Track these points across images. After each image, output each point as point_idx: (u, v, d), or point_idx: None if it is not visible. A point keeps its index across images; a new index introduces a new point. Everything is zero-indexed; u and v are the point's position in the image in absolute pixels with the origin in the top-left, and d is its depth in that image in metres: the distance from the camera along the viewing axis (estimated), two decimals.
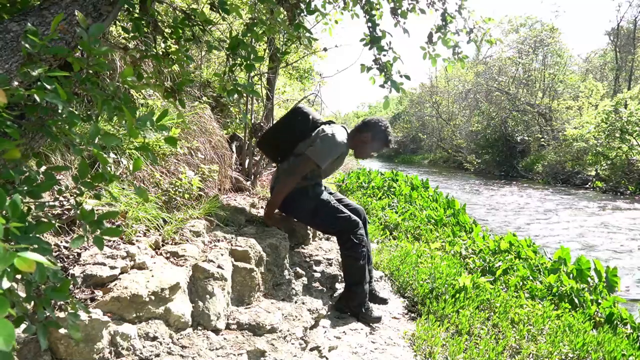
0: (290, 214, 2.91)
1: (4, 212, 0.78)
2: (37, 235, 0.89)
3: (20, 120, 1.13)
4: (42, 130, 1.10)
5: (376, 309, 2.75)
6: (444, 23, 2.86)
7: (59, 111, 1.05)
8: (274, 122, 3.05)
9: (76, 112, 1.09)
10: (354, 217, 2.75)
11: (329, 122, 2.95)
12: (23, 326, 1.04)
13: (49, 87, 1.00)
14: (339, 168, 3.10)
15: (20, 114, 1.12)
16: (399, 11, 2.73)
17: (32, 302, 1.03)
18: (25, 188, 0.99)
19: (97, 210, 1.88)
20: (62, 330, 1.36)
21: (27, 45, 1.04)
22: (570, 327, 2.76)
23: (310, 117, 2.92)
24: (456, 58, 2.97)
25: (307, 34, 2.31)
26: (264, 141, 3.06)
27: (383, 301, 2.92)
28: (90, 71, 1.17)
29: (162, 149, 2.72)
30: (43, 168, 1.18)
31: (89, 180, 1.14)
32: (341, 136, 2.79)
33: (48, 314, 1.06)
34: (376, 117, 2.96)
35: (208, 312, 1.89)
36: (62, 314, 1.37)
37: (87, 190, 1.17)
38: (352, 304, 2.69)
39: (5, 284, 0.70)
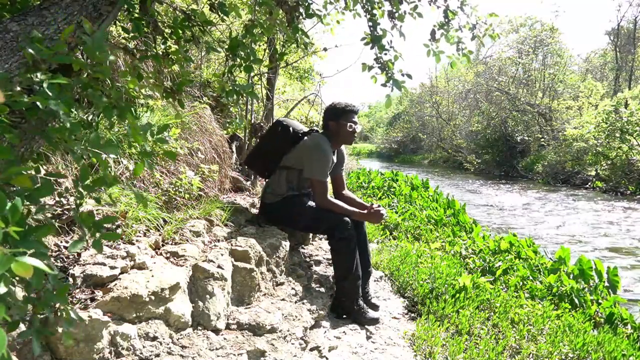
0: (279, 225, 2.93)
1: (4, 215, 0.78)
2: (36, 240, 0.89)
3: (20, 124, 1.13)
4: (41, 135, 1.10)
5: (372, 311, 2.70)
6: (446, 20, 2.85)
7: (60, 119, 1.05)
8: (259, 138, 3.12)
9: (77, 119, 1.09)
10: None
11: (310, 132, 3.00)
12: (20, 329, 1.04)
13: (50, 93, 1.00)
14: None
15: (20, 116, 1.12)
16: (396, 14, 2.72)
17: (31, 305, 1.03)
18: (24, 191, 0.98)
19: (96, 210, 1.89)
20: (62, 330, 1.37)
21: (32, 52, 1.04)
22: (570, 327, 2.76)
23: (291, 128, 2.99)
24: (460, 54, 2.95)
25: (304, 38, 2.31)
26: (250, 159, 3.16)
27: (373, 307, 2.79)
28: (93, 77, 1.17)
29: (162, 149, 2.72)
30: (43, 171, 1.19)
31: (89, 183, 1.14)
32: (325, 144, 2.82)
33: (46, 314, 1.06)
34: (328, 105, 3.01)
35: (208, 312, 1.89)
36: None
37: (87, 193, 1.17)
38: (343, 300, 2.65)
39: (2, 289, 0.70)
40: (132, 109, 1.18)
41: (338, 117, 2.87)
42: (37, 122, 1.11)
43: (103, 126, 2.08)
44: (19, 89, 1.10)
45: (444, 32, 2.86)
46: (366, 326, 2.61)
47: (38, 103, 1.01)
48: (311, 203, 2.86)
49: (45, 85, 1.01)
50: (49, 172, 1.22)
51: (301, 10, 2.44)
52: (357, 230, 2.82)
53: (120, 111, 1.14)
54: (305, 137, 2.92)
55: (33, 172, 1.16)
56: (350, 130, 2.87)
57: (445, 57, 2.90)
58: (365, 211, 2.83)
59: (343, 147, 3.10)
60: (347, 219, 2.69)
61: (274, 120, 3.19)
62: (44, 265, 0.69)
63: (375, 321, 2.64)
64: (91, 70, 1.14)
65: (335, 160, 3.01)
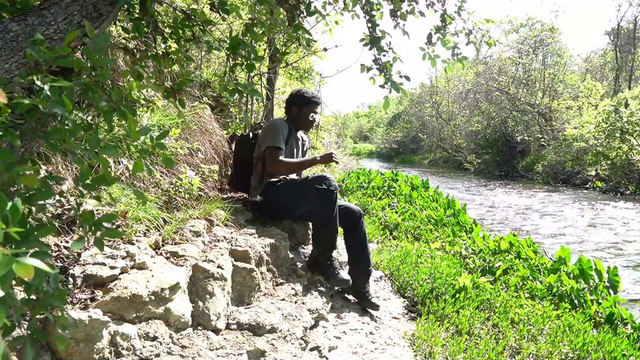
0: (277, 219, 2.99)
1: (4, 215, 0.78)
2: (37, 239, 0.89)
3: (19, 125, 1.13)
4: (42, 138, 1.10)
5: (344, 272, 2.79)
6: (443, 24, 2.85)
7: (60, 119, 1.05)
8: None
9: (77, 122, 1.09)
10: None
11: None
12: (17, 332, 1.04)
13: (51, 95, 1.00)
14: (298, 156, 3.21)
15: (20, 117, 1.12)
16: (399, 13, 2.72)
17: (32, 306, 1.03)
18: (24, 194, 0.98)
19: (97, 210, 1.88)
20: None
21: (34, 54, 1.04)
22: (570, 327, 2.76)
23: (251, 134, 3.16)
24: (455, 59, 2.96)
25: (306, 35, 2.31)
26: (233, 182, 3.26)
27: (374, 306, 2.82)
28: (94, 80, 1.17)
29: (161, 154, 2.71)
30: (43, 171, 1.19)
31: (89, 182, 1.14)
32: (278, 121, 3.01)
33: (44, 315, 1.06)
34: (295, 90, 3.17)
35: (208, 312, 1.89)
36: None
37: (88, 192, 1.17)
38: (315, 257, 2.76)
39: (0, 292, 0.70)
40: (133, 110, 1.18)
41: (302, 104, 3.03)
42: (37, 124, 1.11)
43: (102, 128, 2.07)
44: (18, 88, 1.10)
45: (440, 36, 2.86)
46: (335, 286, 2.73)
47: (40, 106, 1.01)
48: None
49: (46, 87, 1.01)
50: (49, 173, 1.22)
51: (302, 8, 2.44)
52: (357, 229, 2.85)
53: (120, 113, 1.15)
54: None
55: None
56: (311, 119, 3.06)
57: (440, 62, 2.92)
58: (318, 157, 2.98)
59: (302, 133, 3.23)
60: (325, 174, 2.78)
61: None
62: (45, 265, 0.69)
63: (345, 282, 2.72)
64: (92, 74, 1.14)
65: (295, 141, 3.11)
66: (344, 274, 2.77)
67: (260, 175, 2.96)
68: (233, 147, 3.33)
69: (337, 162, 2.98)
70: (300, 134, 3.18)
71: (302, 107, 3.03)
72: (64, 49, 1.12)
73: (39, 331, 1.06)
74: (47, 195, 0.99)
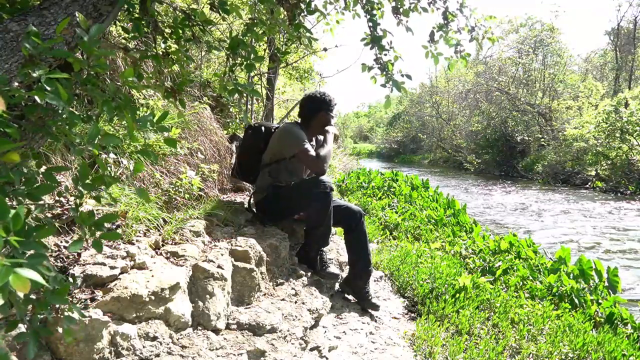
0: (281, 220, 2.98)
1: (6, 223, 0.77)
2: (36, 241, 0.88)
3: (20, 121, 1.13)
4: (42, 130, 1.10)
5: (333, 267, 2.85)
6: (445, 22, 2.85)
7: (59, 111, 1.04)
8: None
9: (76, 113, 1.09)
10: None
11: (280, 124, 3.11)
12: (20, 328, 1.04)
13: (49, 88, 1.00)
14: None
15: (20, 114, 1.12)
16: (401, 10, 2.72)
17: (31, 305, 1.02)
18: (25, 189, 0.98)
19: (96, 210, 1.88)
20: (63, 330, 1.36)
21: (28, 46, 1.04)
22: (570, 327, 2.76)
23: (262, 128, 3.08)
24: (458, 56, 2.96)
25: (307, 34, 2.31)
26: (237, 171, 3.20)
27: (374, 307, 2.83)
28: (91, 72, 1.16)
29: (163, 149, 2.72)
30: (43, 168, 1.18)
31: (89, 182, 1.13)
32: (292, 126, 2.93)
33: (45, 314, 1.06)
34: (308, 94, 3.11)
35: (208, 312, 1.89)
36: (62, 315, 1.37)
37: (87, 192, 1.17)
38: (307, 251, 2.81)
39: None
40: (131, 104, 1.17)
41: (328, 109, 2.98)
42: (37, 120, 1.11)
43: (103, 121, 2.07)
44: (16, 84, 1.10)
45: (442, 33, 2.86)
46: (322, 277, 2.78)
47: (37, 98, 1.00)
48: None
49: (43, 79, 1.00)
50: (50, 167, 1.22)
51: (302, 7, 2.44)
52: (357, 229, 2.85)
53: (118, 105, 1.14)
54: (276, 131, 3.02)
55: (34, 168, 1.15)
56: (334, 120, 3.04)
57: (443, 59, 2.90)
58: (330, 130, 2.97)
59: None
60: (323, 178, 2.74)
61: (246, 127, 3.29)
62: (40, 278, 0.68)
63: (334, 276, 2.79)
64: (89, 66, 1.13)
65: (314, 145, 3.07)
66: (333, 267, 2.82)
67: (268, 180, 2.93)
68: (242, 138, 3.27)
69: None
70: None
71: (328, 111, 2.97)
72: (57, 39, 1.11)
73: (43, 327, 1.05)
74: (49, 189, 0.98)
